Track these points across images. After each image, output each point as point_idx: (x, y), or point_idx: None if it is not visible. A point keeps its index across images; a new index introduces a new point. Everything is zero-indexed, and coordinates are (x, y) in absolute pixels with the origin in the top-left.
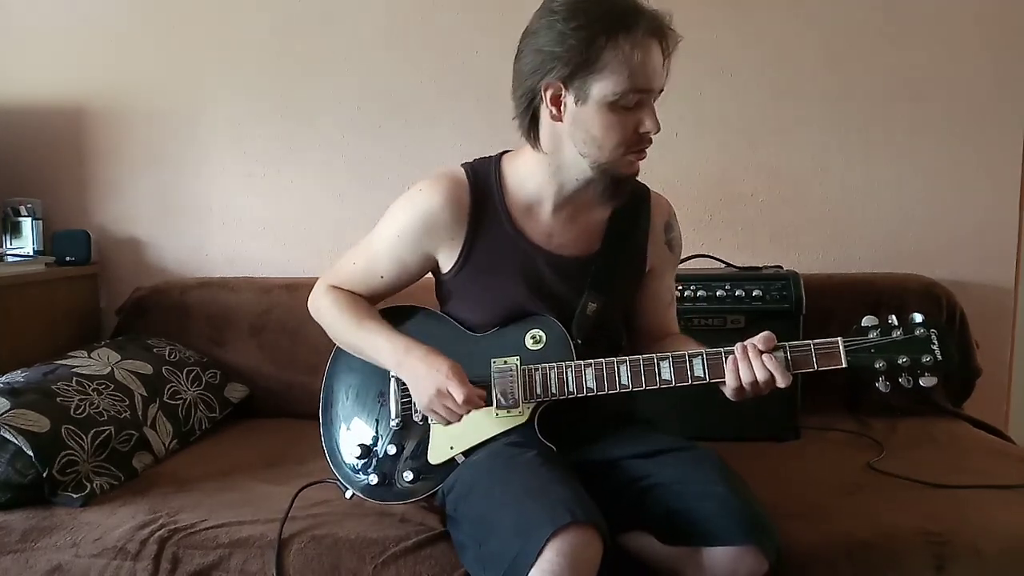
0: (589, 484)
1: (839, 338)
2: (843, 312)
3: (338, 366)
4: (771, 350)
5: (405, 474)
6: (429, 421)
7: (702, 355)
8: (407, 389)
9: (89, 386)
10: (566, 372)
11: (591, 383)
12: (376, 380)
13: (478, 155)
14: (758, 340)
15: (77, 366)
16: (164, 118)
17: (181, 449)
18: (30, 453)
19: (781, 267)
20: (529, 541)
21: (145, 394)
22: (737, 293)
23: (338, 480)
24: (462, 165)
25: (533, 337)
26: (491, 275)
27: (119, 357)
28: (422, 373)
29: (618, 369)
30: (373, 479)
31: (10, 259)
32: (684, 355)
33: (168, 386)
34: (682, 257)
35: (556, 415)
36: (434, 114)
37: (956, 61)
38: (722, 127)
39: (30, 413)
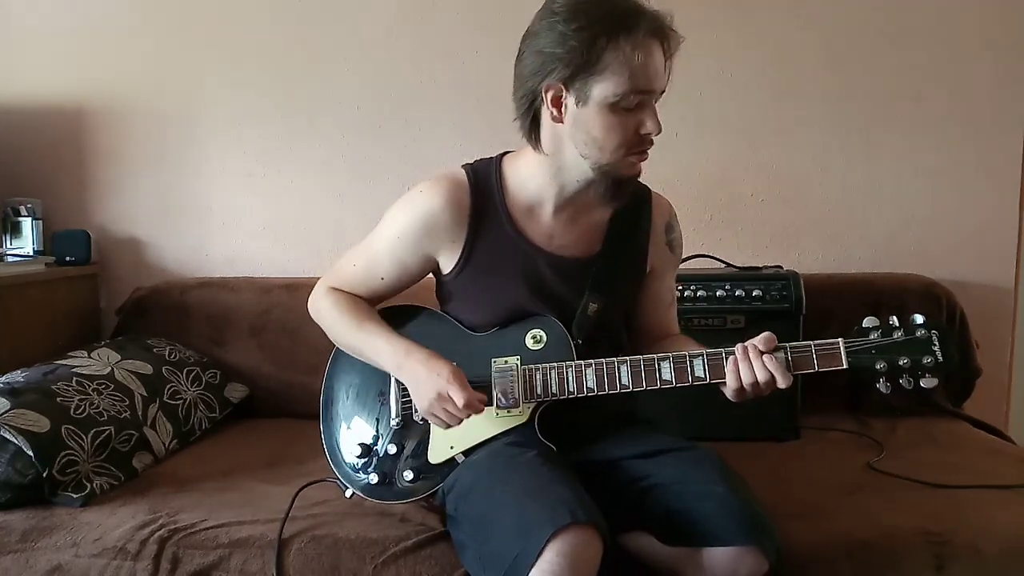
0: (589, 484)
1: (840, 339)
2: (843, 312)
3: (339, 365)
4: (772, 351)
5: (405, 473)
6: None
7: (703, 355)
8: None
9: (89, 386)
10: (566, 372)
11: (591, 383)
12: (377, 379)
13: (478, 155)
14: (759, 341)
15: (77, 366)
16: (164, 118)
17: (181, 449)
18: (30, 453)
19: (781, 267)
20: (529, 541)
21: (145, 394)
22: (737, 293)
23: (338, 479)
24: (463, 166)
25: (534, 337)
26: (492, 276)
27: (119, 357)
28: (423, 376)
29: (618, 369)
30: (373, 478)
31: (10, 259)
32: (685, 355)
33: (168, 386)
34: (682, 257)
35: (556, 415)
36: (434, 114)
37: (957, 62)
38: (722, 127)
39: (30, 413)
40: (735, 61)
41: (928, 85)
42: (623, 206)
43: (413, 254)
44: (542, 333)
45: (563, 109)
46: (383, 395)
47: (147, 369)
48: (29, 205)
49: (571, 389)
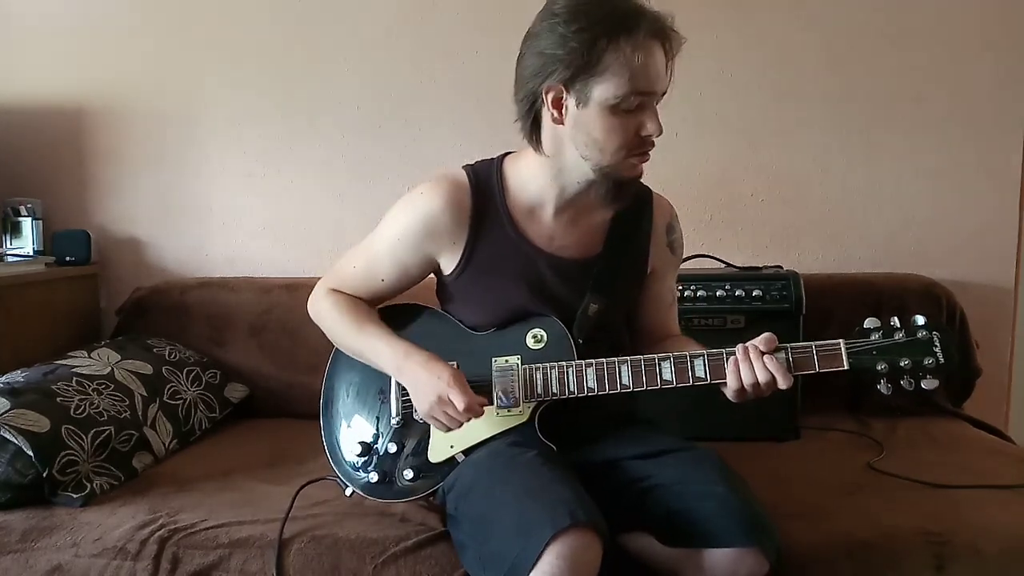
0: (589, 484)
1: (841, 340)
2: (843, 312)
3: (339, 363)
4: (772, 351)
5: (405, 472)
6: None
7: (703, 356)
8: None
9: (89, 386)
10: (567, 372)
11: (592, 383)
12: (377, 378)
13: (478, 155)
14: (759, 341)
15: (77, 366)
16: (164, 118)
17: (181, 449)
18: (30, 453)
19: (781, 267)
20: (529, 542)
21: (145, 394)
22: (737, 293)
23: (338, 477)
24: (463, 167)
25: (534, 336)
26: (493, 278)
27: (119, 357)
28: (423, 379)
29: (619, 369)
30: (373, 477)
31: (10, 259)
32: (685, 355)
33: (168, 386)
34: (683, 258)
35: (556, 415)
36: (434, 114)
37: (957, 62)
38: (723, 128)
39: (30, 413)
40: (735, 62)
41: (929, 86)
42: (624, 207)
43: (413, 255)
44: (543, 332)
45: (564, 111)
46: (383, 394)
47: (147, 369)
48: (29, 205)
49: (571, 389)
